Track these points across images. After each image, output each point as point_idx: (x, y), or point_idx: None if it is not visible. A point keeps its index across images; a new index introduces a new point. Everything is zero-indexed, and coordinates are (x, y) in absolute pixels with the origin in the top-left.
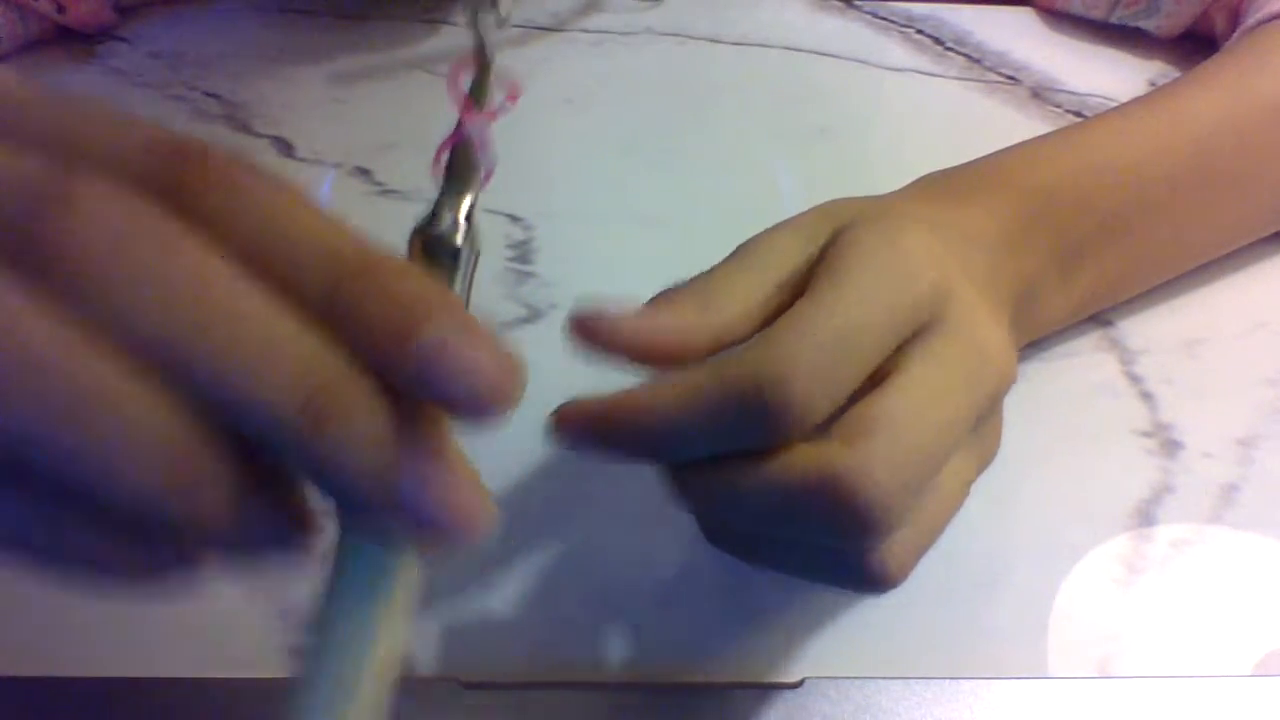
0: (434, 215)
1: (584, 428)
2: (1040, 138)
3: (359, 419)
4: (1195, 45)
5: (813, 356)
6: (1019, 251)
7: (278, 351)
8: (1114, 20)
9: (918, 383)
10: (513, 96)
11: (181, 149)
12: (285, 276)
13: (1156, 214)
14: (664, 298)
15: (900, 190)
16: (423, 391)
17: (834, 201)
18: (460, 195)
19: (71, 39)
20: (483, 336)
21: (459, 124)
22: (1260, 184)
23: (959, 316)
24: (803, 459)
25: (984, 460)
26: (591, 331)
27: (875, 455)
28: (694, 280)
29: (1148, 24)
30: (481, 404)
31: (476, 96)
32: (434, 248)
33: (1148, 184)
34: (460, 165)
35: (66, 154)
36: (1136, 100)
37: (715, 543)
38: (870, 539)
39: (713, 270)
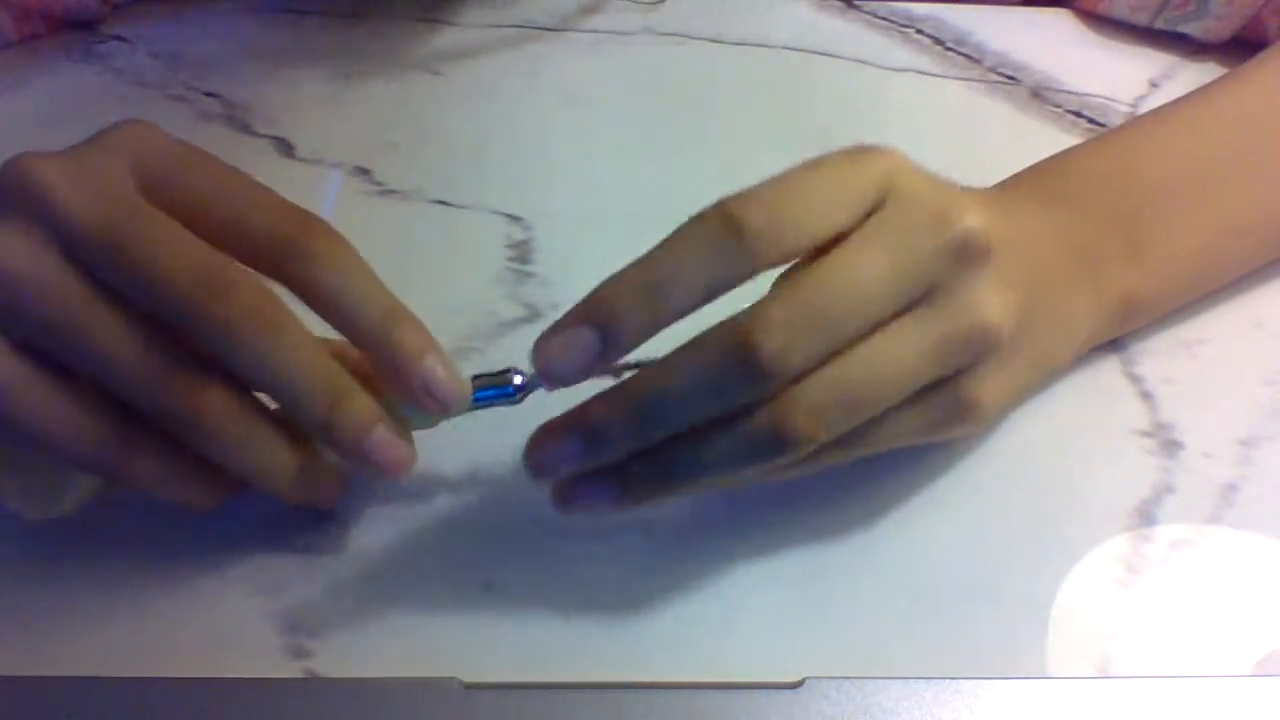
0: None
1: (559, 434)
2: (1084, 142)
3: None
4: (1196, 43)
5: (796, 315)
6: (1067, 217)
7: (329, 373)
8: (1159, 25)
9: (840, 250)
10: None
11: (305, 219)
12: (350, 323)
13: (1215, 189)
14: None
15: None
16: (422, 382)
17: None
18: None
19: (66, 32)
20: (452, 372)
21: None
22: None
23: (907, 186)
24: (714, 329)
25: (946, 334)
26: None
27: (771, 302)
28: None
29: (1194, 27)
30: (444, 403)
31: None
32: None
33: (1193, 159)
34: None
35: (234, 232)
36: (1175, 101)
37: (638, 497)
38: (765, 381)
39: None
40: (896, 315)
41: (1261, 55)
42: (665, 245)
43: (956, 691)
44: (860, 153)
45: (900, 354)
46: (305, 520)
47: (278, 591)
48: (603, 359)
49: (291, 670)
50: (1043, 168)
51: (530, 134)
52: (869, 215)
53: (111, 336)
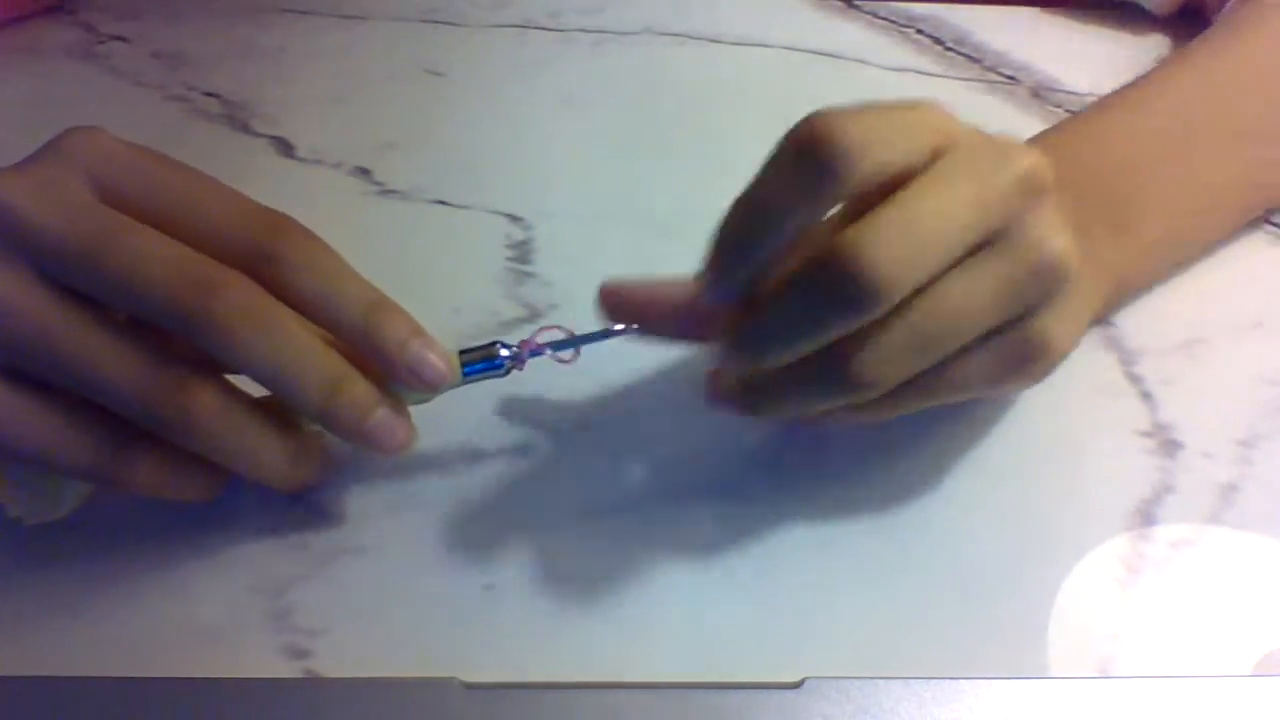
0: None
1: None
2: (1055, 126)
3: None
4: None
5: (902, 237)
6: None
7: (328, 360)
8: None
9: (924, 179)
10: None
11: (272, 220)
12: (331, 321)
13: (1185, 162)
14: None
15: None
16: (408, 372)
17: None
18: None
19: (43, 15)
20: (438, 348)
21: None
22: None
23: (964, 133)
24: (815, 247)
25: (1021, 270)
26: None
27: (872, 227)
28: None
29: (1147, 1)
30: (435, 381)
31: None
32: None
33: (1165, 136)
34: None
35: (203, 236)
36: (1139, 78)
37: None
38: (869, 306)
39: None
40: (970, 253)
41: (1208, 32)
42: (761, 168)
43: (956, 691)
44: (914, 103)
45: (977, 290)
46: (305, 520)
47: (278, 591)
48: (728, 289)
49: (291, 670)
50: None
51: (530, 134)
52: (934, 158)
53: (94, 351)
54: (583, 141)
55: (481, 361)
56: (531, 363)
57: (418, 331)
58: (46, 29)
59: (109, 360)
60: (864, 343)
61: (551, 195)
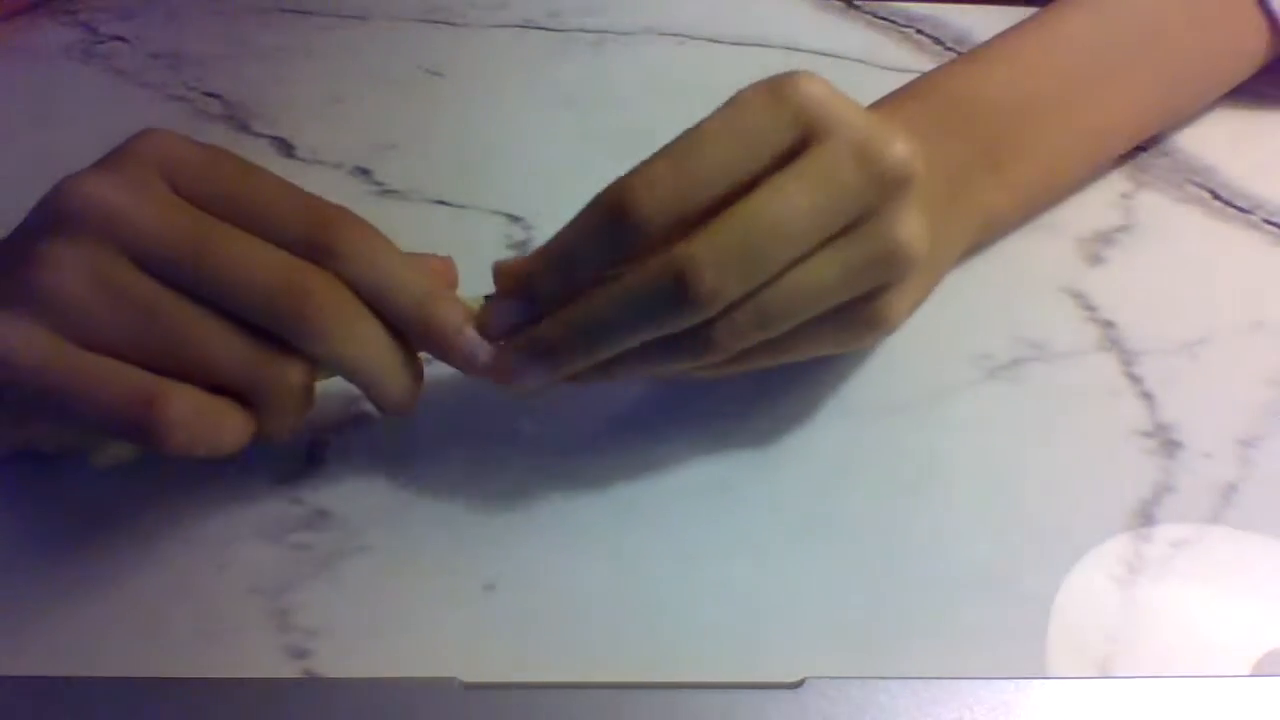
0: None
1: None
2: (939, 68)
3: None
4: None
5: (736, 248)
6: (940, 143)
7: (394, 353)
8: None
9: (766, 187)
10: None
11: (327, 216)
12: (390, 310)
13: (1061, 106)
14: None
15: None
16: (459, 359)
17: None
18: None
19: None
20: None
21: None
22: (1154, 69)
23: (831, 118)
24: (651, 261)
25: (869, 259)
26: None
27: (703, 240)
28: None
29: None
30: (481, 367)
31: None
32: None
33: (1043, 79)
34: None
35: (272, 233)
36: (1026, 20)
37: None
38: (700, 311)
39: None
40: (824, 242)
41: None
42: (566, 227)
43: (956, 691)
44: (778, 86)
45: (824, 277)
46: (305, 520)
47: (278, 591)
48: (524, 322)
49: (291, 670)
50: (911, 94)
51: (530, 134)
52: (792, 150)
53: (206, 332)
54: (583, 141)
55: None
56: None
57: (468, 319)
58: (47, 29)
59: (220, 341)
60: (712, 319)
61: (551, 195)
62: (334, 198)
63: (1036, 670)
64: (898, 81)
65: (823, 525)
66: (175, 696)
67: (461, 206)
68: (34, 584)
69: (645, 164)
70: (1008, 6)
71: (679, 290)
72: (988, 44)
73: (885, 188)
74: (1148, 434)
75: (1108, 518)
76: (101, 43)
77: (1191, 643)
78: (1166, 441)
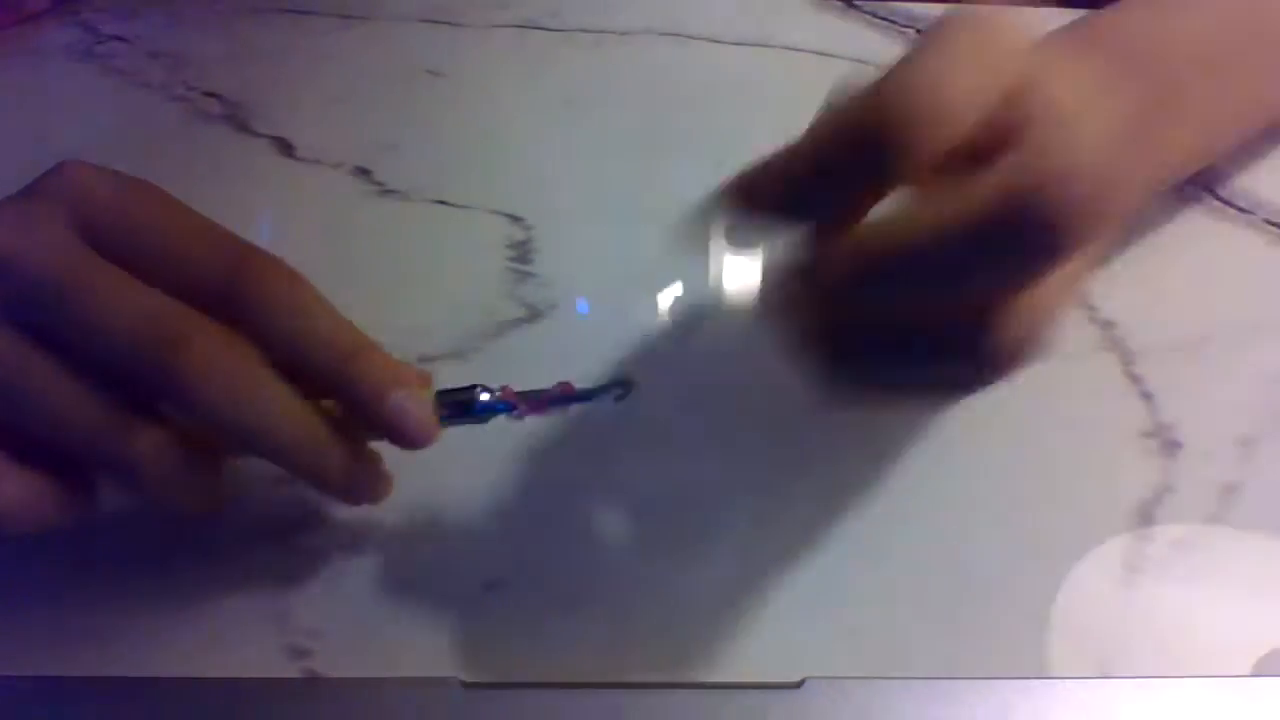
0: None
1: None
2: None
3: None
4: None
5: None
6: (1118, 86)
7: (304, 420)
8: None
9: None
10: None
11: (247, 261)
12: (305, 367)
13: (1243, 55)
14: None
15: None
16: (387, 427)
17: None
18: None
19: (21, 23)
20: (424, 405)
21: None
22: None
23: (1044, 112)
24: (986, 181)
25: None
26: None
27: (1063, 145)
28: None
29: None
30: (414, 438)
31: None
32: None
33: (1232, 31)
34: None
35: (176, 277)
36: None
37: (838, 372)
38: (1066, 249)
39: None
40: None
41: None
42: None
43: (956, 691)
44: (992, 35)
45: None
46: (305, 520)
47: (278, 591)
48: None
49: (291, 670)
50: (1092, 40)
51: (530, 134)
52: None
53: (56, 395)
54: (583, 141)
55: (459, 405)
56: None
57: (400, 380)
58: (46, 29)
59: (66, 400)
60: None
61: (551, 195)
62: (334, 198)
63: (1036, 670)
64: None
65: (822, 526)
66: (175, 696)
67: (461, 206)
68: (34, 584)
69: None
70: (1007, 7)
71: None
72: None
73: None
74: (1148, 434)
75: (1108, 518)
76: (101, 43)
77: (1191, 643)
78: (1166, 441)
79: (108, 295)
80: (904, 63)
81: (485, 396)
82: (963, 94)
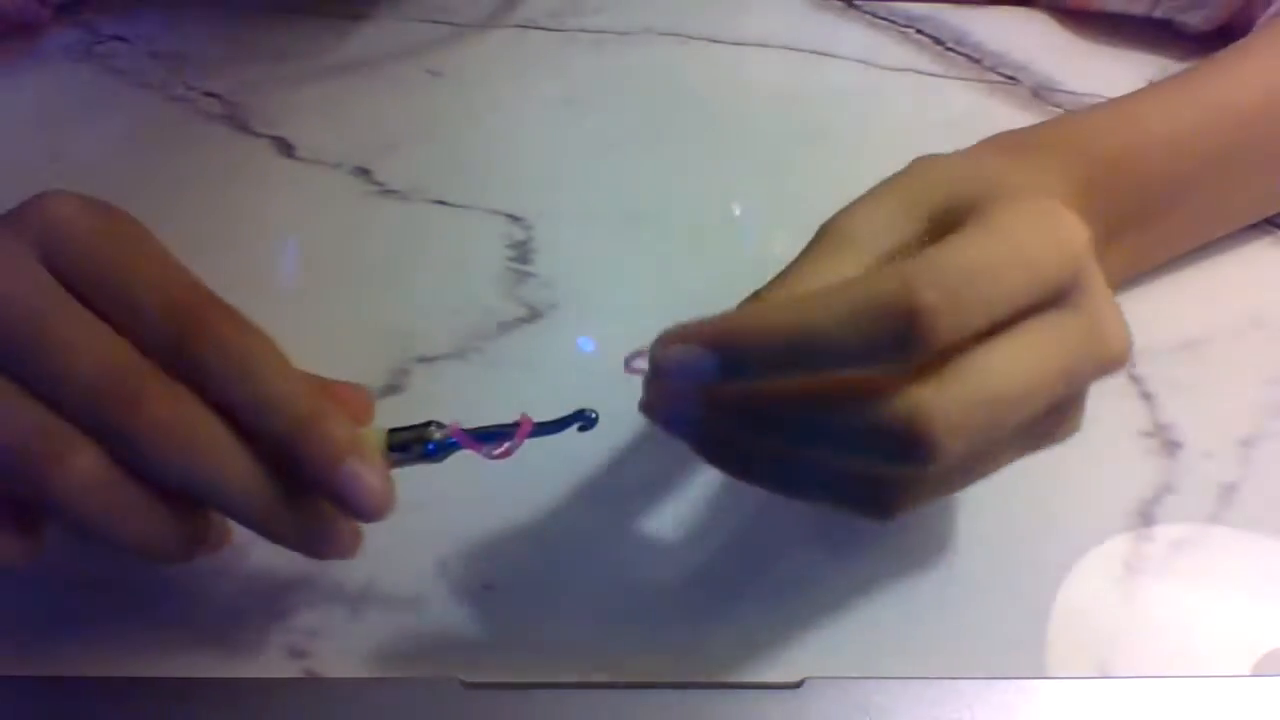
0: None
1: (704, 341)
2: (1099, 106)
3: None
4: (1202, 45)
5: (956, 282)
6: (1075, 210)
7: (255, 484)
8: (1158, 14)
9: (1024, 346)
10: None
11: (201, 315)
12: (251, 423)
13: (1199, 189)
14: (747, 302)
15: (977, 146)
16: (337, 500)
17: (925, 163)
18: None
19: (11, 37)
20: (377, 474)
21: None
22: None
23: (1093, 290)
24: (891, 399)
25: (1049, 441)
26: (667, 359)
27: (955, 399)
28: (776, 278)
29: (1191, 16)
30: (366, 512)
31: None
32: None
33: (1197, 160)
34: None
35: (129, 324)
36: (1185, 73)
37: (713, 460)
38: (926, 469)
39: (797, 261)
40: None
41: (1245, 42)
42: (828, 304)
43: (956, 691)
44: (1056, 227)
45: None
46: None
47: (278, 591)
48: (709, 384)
49: (291, 670)
50: (1069, 152)
51: (530, 134)
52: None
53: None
54: (583, 141)
55: (408, 445)
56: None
57: (353, 449)
58: (47, 29)
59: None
60: (936, 405)
61: (551, 195)
62: (334, 198)
63: (1036, 670)
64: (897, 81)
65: (822, 526)
66: (175, 696)
67: (461, 206)
68: (34, 585)
69: (937, 273)
70: (1008, 6)
71: (906, 440)
72: (1142, 104)
73: (1104, 367)
74: (1148, 434)
75: (1108, 518)
76: (101, 43)
77: (1191, 643)
78: (1166, 441)
79: (68, 340)
80: (947, 254)
81: (439, 435)
82: (1006, 297)
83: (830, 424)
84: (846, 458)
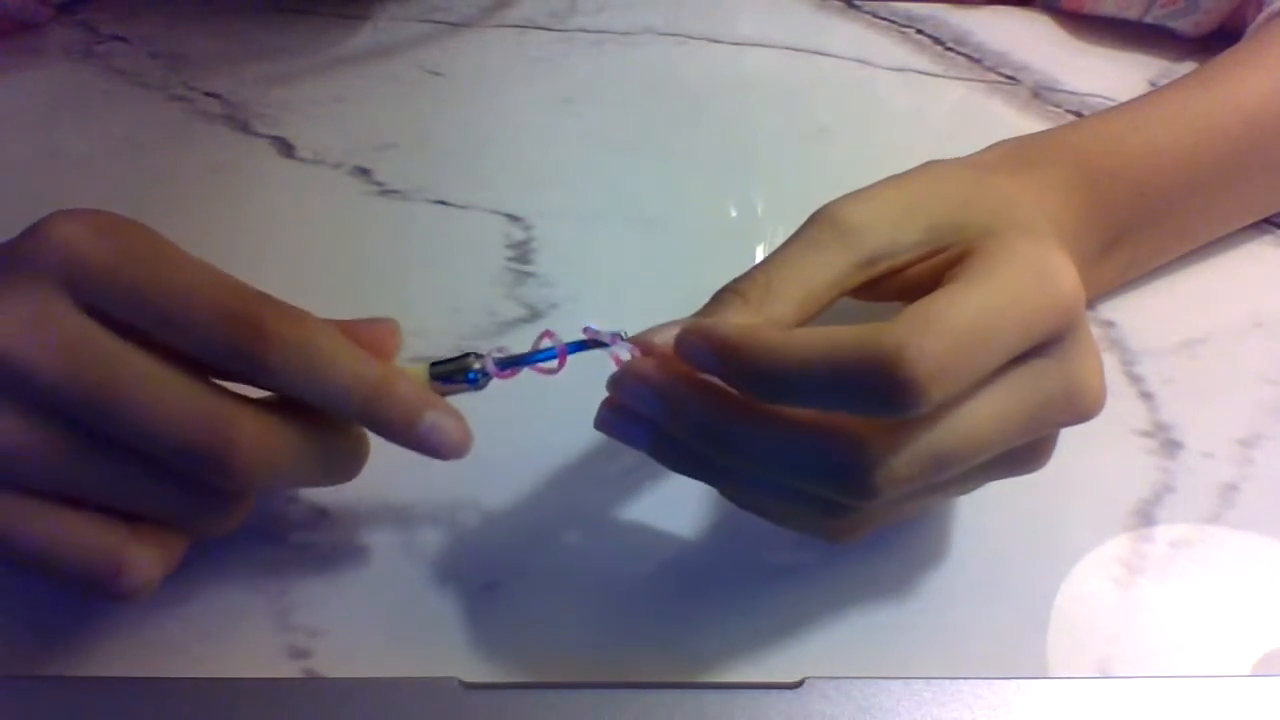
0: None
1: (710, 349)
2: (1103, 115)
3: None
4: (1200, 44)
5: (951, 348)
6: (1076, 227)
7: (328, 463)
8: (1149, 20)
9: (991, 402)
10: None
11: (252, 318)
12: (335, 414)
13: (1199, 195)
14: (727, 289)
15: (985, 157)
16: (424, 450)
17: (935, 171)
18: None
19: (13, 36)
20: (451, 415)
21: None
22: None
23: (1077, 340)
24: (853, 333)
25: (1014, 473)
26: (638, 370)
27: (905, 452)
28: (760, 264)
29: (1183, 23)
30: (452, 452)
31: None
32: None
33: (1199, 167)
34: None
35: (189, 347)
36: (1186, 79)
37: (681, 468)
38: (908, 410)
39: (784, 246)
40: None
41: (1235, 51)
42: (821, 354)
43: (956, 691)
44: (1051, 280)
45: (1007, 413)
46: (305, 520)
47: (278, 591)
48: (661, 422)
49: (291, 670)
50: (1069, 170)
51: (530, 134)
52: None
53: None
54: (583, 141)
55: (454, 375)
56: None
57: (427, 402)
58: (47, 29)
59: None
60: (880, 455)
61: (551, 195)
62: (334, 198)
63: (1036, 670)
64: (897, 81)
65: None
66: (175, 696)
67: (461, 206)
68: (34, 584)
69: (931, 335)
70: (1008, 7)
71: (850, 482)
72: (1142, 112)
73: (1080, 420)
74: (1148, 434)
75: (1108, 518)
76: (101, 43)
77: (1191, 643)
78: (1166, 441)
79: (147, 396)
80: (947, 317)
81: (478, 365)
82: (998, 359)
83: (781, 450)
84: (797, 482)
